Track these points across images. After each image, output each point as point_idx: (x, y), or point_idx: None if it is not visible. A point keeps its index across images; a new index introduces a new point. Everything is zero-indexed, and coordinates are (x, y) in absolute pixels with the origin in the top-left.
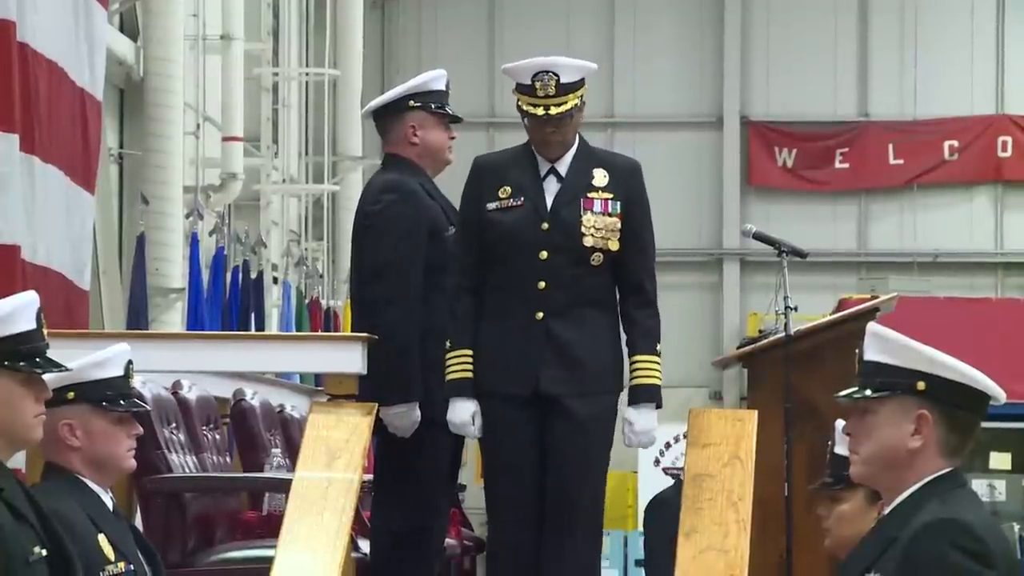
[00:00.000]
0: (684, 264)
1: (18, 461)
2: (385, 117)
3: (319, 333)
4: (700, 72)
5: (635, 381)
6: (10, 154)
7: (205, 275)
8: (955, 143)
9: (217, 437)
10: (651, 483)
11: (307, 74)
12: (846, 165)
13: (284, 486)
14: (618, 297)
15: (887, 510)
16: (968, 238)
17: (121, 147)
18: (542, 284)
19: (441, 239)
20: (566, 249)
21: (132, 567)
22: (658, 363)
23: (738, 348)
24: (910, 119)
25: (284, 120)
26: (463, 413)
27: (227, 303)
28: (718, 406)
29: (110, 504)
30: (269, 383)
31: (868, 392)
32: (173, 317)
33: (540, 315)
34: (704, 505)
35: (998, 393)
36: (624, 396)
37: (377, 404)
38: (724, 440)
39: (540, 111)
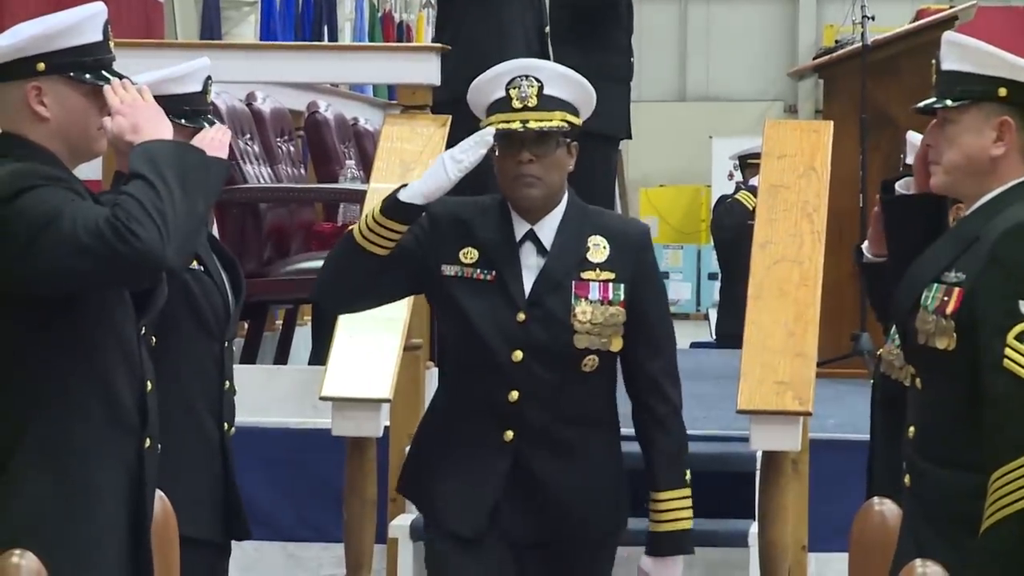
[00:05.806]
0: None
1: (94, 172)
2: None
3: (393, 43)
4: None
5: (657, 527)
6: None
7: None
8: None
9: (291, 149)
10: None
11: None
12: None
13: (359, 197)
14: (631, 404)
15: (967, 212)
16: None
17: None
18: (514, 394)
19: None
20: (548, 350)
21: (205, 268)
22: (688, 497)
23: (814, 59)
24: None
25: None
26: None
27: (300, 16)
28: (793, 119)
29: None
30: (343, 96)
31: (948, 102)
32: (246, 30)
33: (509, 435)
34: (779, 216)
35: None
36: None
37: (450, 116)
38: (799, 151)
39: (516, 124)
